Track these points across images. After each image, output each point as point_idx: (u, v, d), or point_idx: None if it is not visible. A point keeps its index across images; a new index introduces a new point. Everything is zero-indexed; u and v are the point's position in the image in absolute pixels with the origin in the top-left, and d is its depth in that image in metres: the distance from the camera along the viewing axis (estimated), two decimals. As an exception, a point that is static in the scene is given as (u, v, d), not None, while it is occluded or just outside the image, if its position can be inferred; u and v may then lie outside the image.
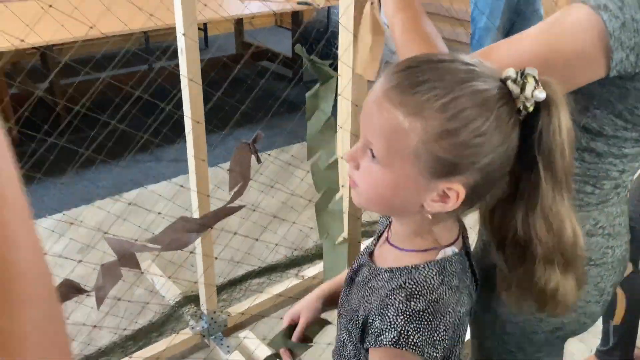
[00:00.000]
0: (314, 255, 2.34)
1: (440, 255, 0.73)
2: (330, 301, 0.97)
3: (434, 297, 0.69)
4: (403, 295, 0.69)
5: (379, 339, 0.69)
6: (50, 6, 1.16)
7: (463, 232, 0.79)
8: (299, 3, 2.95)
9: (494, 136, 0.64)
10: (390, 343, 0.68)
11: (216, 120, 2.11)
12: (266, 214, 2.27)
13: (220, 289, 2.20)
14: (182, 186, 1.97)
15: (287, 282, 2.15)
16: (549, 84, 0.66)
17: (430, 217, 0.70)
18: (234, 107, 2.05)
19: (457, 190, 0.66)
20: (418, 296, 0.69)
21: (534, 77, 0.65)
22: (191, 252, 1.79)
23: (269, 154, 2.06)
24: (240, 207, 1.00)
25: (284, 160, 2.69)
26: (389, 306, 0.69)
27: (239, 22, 4.22)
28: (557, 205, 0.67)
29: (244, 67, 3.95)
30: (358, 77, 1.16)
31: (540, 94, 0.64)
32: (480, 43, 3.11)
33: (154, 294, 2.12)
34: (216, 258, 1.63)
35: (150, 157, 3.01)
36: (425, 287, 0.70)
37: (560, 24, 0.76)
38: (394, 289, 0.71)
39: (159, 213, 1.73)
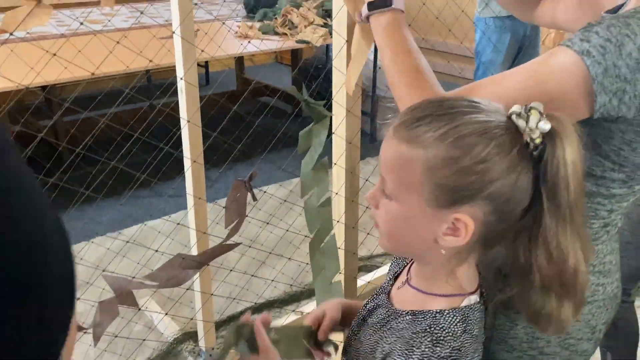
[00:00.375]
0: (313, 291, 2.33)
1: (465, 302, 0.73)
2: (346, 317, 0.95)
3: (457, 345, 0.69)
4: (429, 340, 0.69)
5: None
6: (54, 54, 1.20)
7: (480, 279, 0.79)
8: (297, 42, 3.02)
9: (497, 164, 0.65)
10: None
11: (216, 156, 2.15)
12: (264, 250, 2.28)
13: (219, 325, 2.19)
14: (178, 224, 2.00)
15: (285, 318, 2.14)
16: (555, 117, 0.68)
17: (443, 252, 0.70)
18: (234, 142, 2.08)
19: (464, 221, 0.67)
20: (443, 342, 0.69)
21: (538, 110, 0.67)
22: (188, 289, 1.79)
23: (264, 192, 2.08)
24: (236, 245, 1.02)
25: (283, 195, 2.71)
26: (414, 348, 0.70)
27: (239, 59, 4.30)
28: (559, 238, 0.68)
29: (244, 103, 4.00)
30: (351, 115, 1.19)
31: (545, 125, 0.66)
32: (484, 76, 3.16)
33: (152, 331, 2.11)
34: (212, 294, 1.63)
35: (150, 192, 3.03)
36: (450, 334, 0.70)
37: (547, 64, 0.79)
38: (418, 332, 0.71)
39: (156, 250, 1.75)
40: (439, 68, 5.07)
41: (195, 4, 3.88)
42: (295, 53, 4.12)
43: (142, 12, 1.27)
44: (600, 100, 0.75)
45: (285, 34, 3.11)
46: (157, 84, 3.93)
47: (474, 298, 0.74)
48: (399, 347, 0.71)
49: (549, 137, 0.67)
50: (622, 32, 0.73)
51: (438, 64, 5.10)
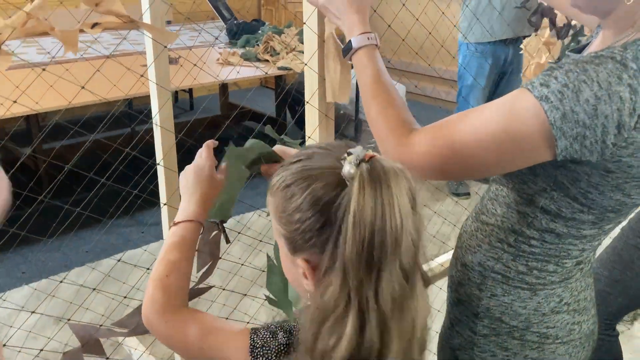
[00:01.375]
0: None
1: None
2: None
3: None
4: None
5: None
6: (28, 85, 1.20)
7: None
8: (279, 68, 3.02)
9: (310, 212, 0.64)
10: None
11: None
12: (246, 278, 2.25)
13: (200, 358, 2.14)
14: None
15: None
16: (377, 162, 0.63)
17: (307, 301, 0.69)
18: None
19: (302, 266, 0.68)
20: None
21: (354, 154, 0.64)
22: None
23: (244, 225, 2.06)
24: (209, 288, 0.99)
25: (264, 224, 2.69)
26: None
27: (223, 84, 4.30)
28: (330, 286, 0.63)
29: (228, 128, 3.99)
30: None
31: (350, 169, 0.63)
32: (466, 100, 3.21)
33: (130, 366, 2.07)
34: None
35: (131, 221, 3.00)
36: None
37: (511, 106, 0.79)
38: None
39: (132, 286, 1.71)
40: (427, 92, 5.12)
41: (178, 30, 3.89)
42: (279, 78, 4.13)
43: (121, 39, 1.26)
44: (561, 144, 0.75)
45: (267, 61, 3.12)
46: (140, 109, 3.91)
47: None
48: None
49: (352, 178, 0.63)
50: (579, 78, 0.74)
51: (425, 87, 5.14)
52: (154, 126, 1.52)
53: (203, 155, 0.95)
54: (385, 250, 0.61)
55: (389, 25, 1.40)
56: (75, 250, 2.80)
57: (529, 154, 0.79)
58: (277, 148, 0.97)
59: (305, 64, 1.09)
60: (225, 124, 1.98)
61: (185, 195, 0.91)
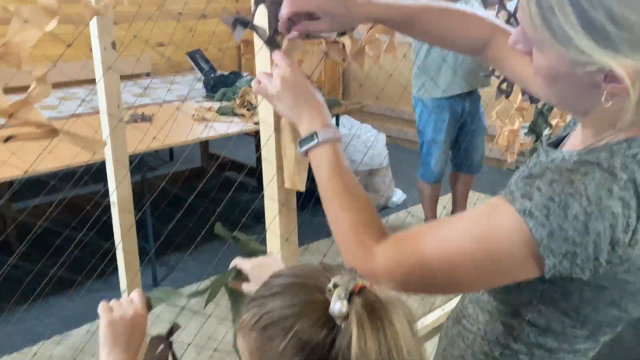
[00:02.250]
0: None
1: None
2: None
3: None
4: None
5: None
6: None
7: None
8: (255, 123, 2.97)
9: (297, 357, 0.57)
10: None
11: (176, 239, 2.03)
12: (222, 351, 2.13)
13: None
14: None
15: None
16: (374, 298, 0.57)
17: None
18: (196, 222, 1.99)
19: None
20: None
21: (342, 287, 0.57)
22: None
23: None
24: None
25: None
26: None
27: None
28: None
29: (208, 179, 3.91)
30: (289, 244, 1.09)
31: (341, 308, 0.56)
32: (429, 153, 3.09)
33: None
34: None
35: (104, 285, 2.86)
36: None
37: (488, 219, 0.71)
38: None
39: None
40: (393, 133, 5.11)
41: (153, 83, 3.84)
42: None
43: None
44: (549, 262, 0.67)
45: (244, 115, 3.06)
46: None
47: None
48: None
49: (346, 319, 0.56)
50: (565, 191, 0.65)
51: (392, 129, 5.15)
52: (112, 206, 1.43)
53: (136, 302, 0.87)
54: None
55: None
56: (43, 322, 2.66)
57: (511, 272, 0.71)
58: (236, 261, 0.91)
59: (262, 157, 1.01)
60: (206, 175, 1.92)
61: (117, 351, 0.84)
